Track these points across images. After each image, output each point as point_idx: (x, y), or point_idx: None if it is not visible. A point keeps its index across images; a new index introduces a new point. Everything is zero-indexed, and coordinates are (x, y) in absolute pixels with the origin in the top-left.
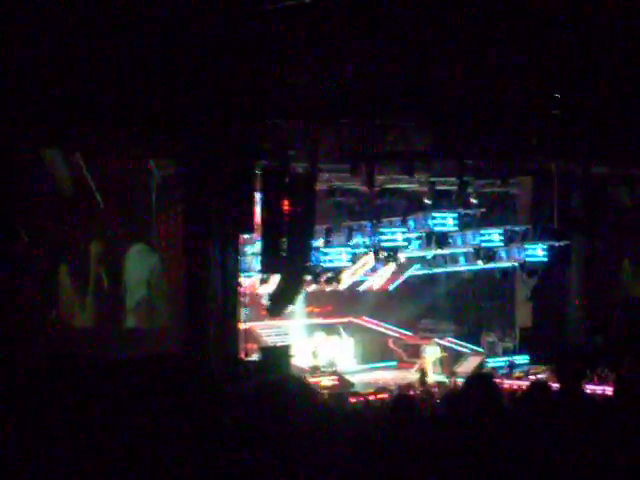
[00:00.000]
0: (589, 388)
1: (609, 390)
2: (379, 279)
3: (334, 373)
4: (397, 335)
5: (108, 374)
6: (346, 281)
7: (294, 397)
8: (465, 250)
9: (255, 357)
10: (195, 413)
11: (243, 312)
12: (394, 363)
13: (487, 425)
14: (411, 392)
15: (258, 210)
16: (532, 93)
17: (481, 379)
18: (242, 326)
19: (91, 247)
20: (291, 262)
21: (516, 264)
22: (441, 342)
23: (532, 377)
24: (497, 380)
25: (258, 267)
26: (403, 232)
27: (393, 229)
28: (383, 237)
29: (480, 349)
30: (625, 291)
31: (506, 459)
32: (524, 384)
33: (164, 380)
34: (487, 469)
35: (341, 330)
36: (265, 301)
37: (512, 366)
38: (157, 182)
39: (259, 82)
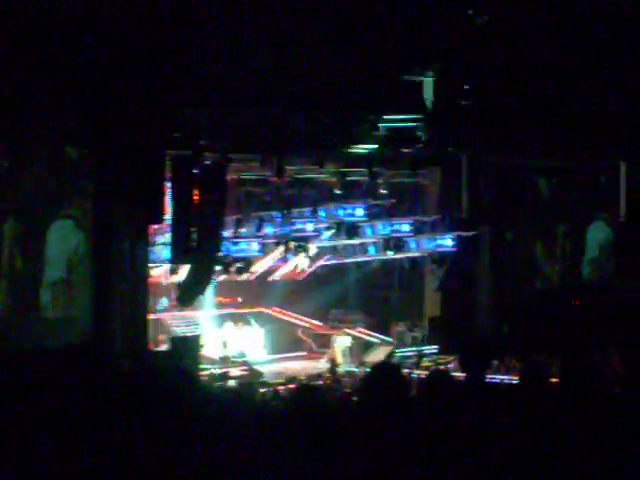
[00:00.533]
0: (496, 378)
1: (515, 380)
2: (289, 269)
3: (244, 363)
4: (307, 325)
5: (15, 364)
6: (256, 271)
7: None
8: (375, 240)
9: (165, 347)
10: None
11: (163, 302)
12: (303, 353)
13: (391, 413)
14: (320, 382)
15: (168, 200)
16: (439, 81)
17: (385, 368)
18: (152, 316)
19: (5, 227)
20: (201, 252)
21: (425, 254)
22: (351, 332)
23: (442, 367)
24: (406, 370)
25: (168, 257)
26: (313, 222)
27: (303, 219)
28: (293, 227)
29: (389, 339)
30: (539, 274)
31: (410, 447)
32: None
33: (71, 371)
34: (390, 456)
35: (251, 320)
36: (175, 291)
37: (421, 356)
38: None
39: (169, 70)
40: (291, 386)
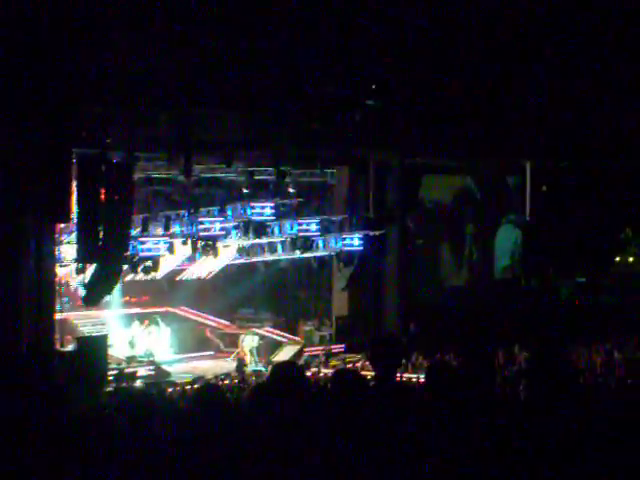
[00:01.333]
0: (404, 376)
1: (422, 378)
2: (197, 268)
3: (151, 363)
4: (214, 324)
5: None
6: (163, 270)
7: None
8: (283, 239)
9: (71, 347)
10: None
11: (64, 301)
12: (211, 352)
13: (293, 411)
14: (227, 381)
15: (75, 198)
16: (347, 81)
17: (286, 367)
18: (58, 316)
19: None
20: (108, 251)
21: (333, 253)
22: (259, 331)
23: (349, 365)
24: (314, 369)
25: (74, 256)
26: (221, 221)
27: (211, 218)
28: (201, 226)
29: (297, 338)
30: (439, 280)
31: (311, 445)
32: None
33: None
34: (294, 455)
35: (158, 320)
36: (81, 291)
37: (328, 355)
38: None
39: (76, 67)
40: (198, 386)
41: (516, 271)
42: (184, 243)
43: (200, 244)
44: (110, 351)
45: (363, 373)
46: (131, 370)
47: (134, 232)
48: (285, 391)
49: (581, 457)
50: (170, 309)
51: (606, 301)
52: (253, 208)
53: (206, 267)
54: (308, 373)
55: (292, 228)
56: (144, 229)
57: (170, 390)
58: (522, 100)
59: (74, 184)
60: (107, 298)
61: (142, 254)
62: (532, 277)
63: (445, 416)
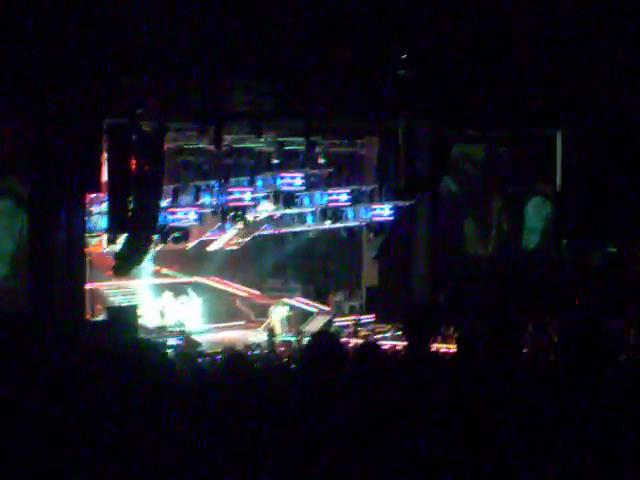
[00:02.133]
0: (434, 346)
1: (453, 348)
2: (227, 238)
3: (181, 333)
4: (245, 294)
5: None
6: (193, 240)
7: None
8: (313, 210)
9: (101, 317)
10: (42, 373)
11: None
12: (241, 322)
13: (332, 381)
14: (257, 351)
15: (105, 169)
16: (376, 52)
17: (324, 336)
18: (88, 286)
19: None
20: (138, 222)
21: (363, 224)
22: (289, 301)
23: (378, 336)
24: (344, 339)
25: (105, 226)
26: (251, 192)
27: (241, 189)
28: (231, 197)
29: (327, 308)
30: (466, 251)
31: (350, 414)
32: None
33: (10, 340)
34: (330, 424)
35: (189, 290)
36: (112, 260)
37: (358, 325)
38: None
39: (105, 39)
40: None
41: (547, 245)
42: (214, 213)
43: (230, 214)
44: (140, 321)
45: (393, 343)
46: (161, 340)
47: (164, 203)
48: (323, 360)
49: (612, 430)
50: (200, 279)
51: (638, 271)
52: (283, 178)
53: (236, 237)
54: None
55: (322, 198)
56: (174, 199)
57: (200, 360)
58: (555, 73)
59: (105, 154)
60: (138, 268)
61: (172, 224)
62: (563, 247)
63: (476, 386)
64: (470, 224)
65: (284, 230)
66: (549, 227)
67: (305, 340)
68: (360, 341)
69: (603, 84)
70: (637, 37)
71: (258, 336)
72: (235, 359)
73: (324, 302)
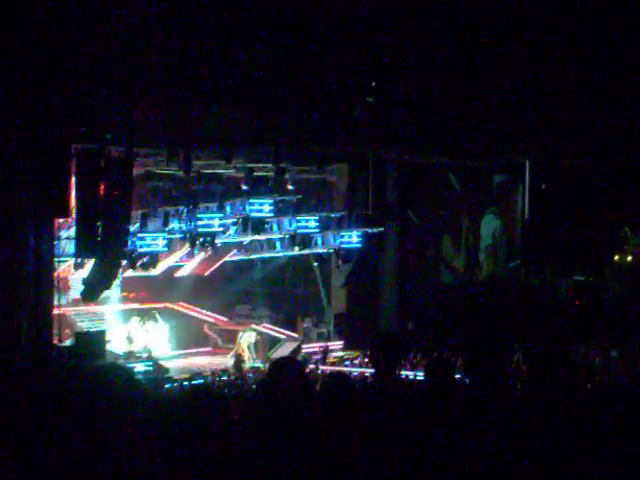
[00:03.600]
0: (402, 374)
1: (421, 375)
2: (195, 264)
3: (149, 358)
4: (213, 320)
5: None
6: (162, 266)
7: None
8: (281, 236)
9: (69, 343)
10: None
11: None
12: (209, 348)
13: (293, 407)
14: (223, 377)
15: (74, 194)
16: (346, 79)
17: (285, 362)
18: (56, 311)
19: None
20: (106, 247)
21: (331, 250)
22: (257, 328)
23: (347, 363)
24: (312, 366)
25: (73, 251)
26: (220, 218)
27: (210, 214)
28: (200, 222)
29: (295, 335)
30: (447, 266)
31: (312, 440)
32: (337, 370)
33: None
34: (294, 451)
35: (157, 315)
36: (80, 286)
37: (326, 351)
38: None
39: (76, 62)
40: (196, 382)
41: (501, 256)
42: (182, 239)
43: (199, 240)
44: (108, 346)
45: (361, 371)
46: (129, 366)
47: (133, 228)
48: (284, 386)
49: (579, 454)
50: (168, 305)
51: (605, 300)
52: (252, 204)
53: (204, 263)
54: (306, 370)
55: (291, 225)
56: (143, 225)
57: (168, 386)
58: (521, 99)
59: (73, 179)
60: (105, 293)
61: (141, 250)
62: (531, 276)
63: (444, 413)
64: (447, 238)
65: (253, 256)
66: (497, 237)
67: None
68: (329, 368)
69: (572, 115)
70: (603, 64)
71: (225, 362)
72: (200, 390)
73: (292, 329)
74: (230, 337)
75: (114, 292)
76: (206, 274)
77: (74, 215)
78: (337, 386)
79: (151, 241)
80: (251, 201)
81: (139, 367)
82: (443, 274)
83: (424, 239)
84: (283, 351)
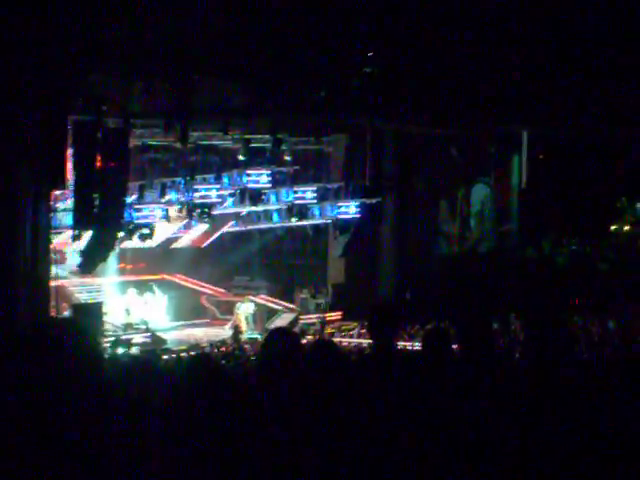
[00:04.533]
0: (399, 344)
1: (418, 346)
2: (193, 236)
3: (147, 330)
4: (210, 292)
5: None
6: (159, 238)
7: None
8: (279, 207)
9: (66, 315)
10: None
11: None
12: (207, 320)
13: (288, 377)
14: (221, 349)
15: (70, 165)
16: (344, 50)
17: (280, 333)
18: (53, 283)
19: None
20: (104, 218)
21: (329, 221)
22: (255, 299)
23: (344, 333)
24: (309, 337)
25: (70, 223)
26: (217, 189)
27: (207, 186)
28: (197, 194)
29: (293, 306)
30: (441, 233)
31: (309, 412)
32: (336, 340)
33: None
34: (292, 420)
35: (154, 287)
36: (77, 258)
37: (324, 322)
38: None
39: (71, 34)
40: (193, 353)
41: (489, 222)
42: (180, 210)
43: (196, 212)
44: (106, 318)
45: (359, 341)
46: (127, 337)
47: (130, 199)
48: (279, 358)
49: (577, 427)
50: (166, 276)
51: (602, 269)
52: (249, 176)
53: (202, 234)
54: (304, 341)
55: (288, 196)
56: (140, 196)
57: (165, 357)
58: (517, 68)
59: (70, 151)
60: (102, 265)
61: (138, 221)
62: (528, 246)
63: (443, 383)
64: (443, 205)
65: (250, 227)
66: (485, 209)
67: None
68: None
69: (570, 84)
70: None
71: (223, 333)
72: (201, 360)
73: (290, 300)
74: (228, 309)
75: (111, 264)
76: (203, 245)
77: (71, 187)
78: (322, 353)
79: (148, 212)
80: (248, 172)
81: (137, 338)
82: (440, 241)
83: (422, 207)
84: (281, 322)
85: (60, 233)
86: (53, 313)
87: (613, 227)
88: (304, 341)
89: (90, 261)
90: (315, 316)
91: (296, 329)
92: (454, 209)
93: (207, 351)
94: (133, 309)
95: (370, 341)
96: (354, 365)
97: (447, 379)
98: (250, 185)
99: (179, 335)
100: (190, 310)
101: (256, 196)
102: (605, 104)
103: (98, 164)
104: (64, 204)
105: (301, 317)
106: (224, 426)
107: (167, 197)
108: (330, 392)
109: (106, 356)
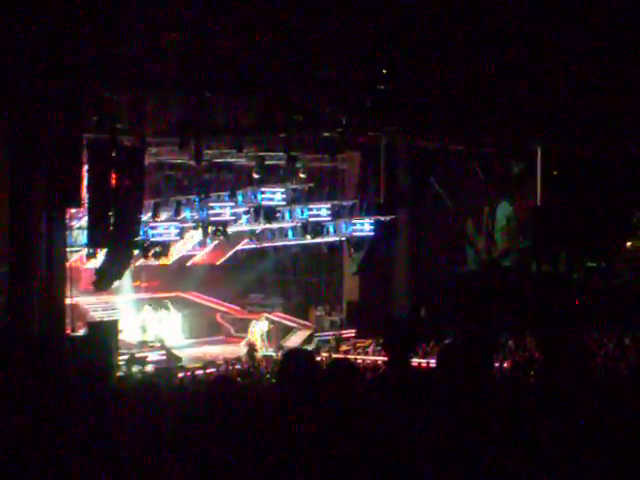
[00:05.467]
0: (414, 361)
1: (434, 363)
2: (207, 254)
3: (162, 347)
4: (225, 309)
5: None
6: (174, 255)
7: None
8: (293, 225)
9: (82, 332)
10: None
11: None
12: (222, 337)
13: (306, 398)
14: (238, 366)
15: (85, 183)
16: (357, 67)
17: (297, 353)
18: (68, 301)
19: None
20: (119, 236)
21: (343, 238)
22: (270, 316)
23: (359, 350)
24: (325, 354)
25: (85, 241)
26: (231, 207)
27: (221, 203)
28: (211, 212)
29: (308, 323)
30: (471, 246)
31: (327, 431)
32: (351, 357)
33: None
34: (308, 441)
35: (169, 305)
36: (92, 275)
37: (339, 340)
38: None
39: (86, 52)
40: (209, 371)
41: (515, 239)
42: (195, 228)
43: (210, 229)
44: (121, 336)
45: (374, 358)
46: (142, 355)
47: (145, 217)
48: (296, 378)
49: (592, 443)
50: (181, 294)
51: (617, 286)
52: (263, 193)
53: (217, 252)
54: (318, 358)
55: (303, 213)
56: (155, 214)
57: (181, 375)
58: (534, 84)
59: (85, 169)
60: (118, 283)
61: (153, 239)
62: (543, 262)
63: (458, 400)
64: (470, 228)
65: (265, 245)
66: (510, 225)
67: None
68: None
69: (585, 101)
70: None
71: (238, 351)
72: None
73: (305, 317)
74: (242, 326)
75: (126, 282)
76: (218, 263)
77: (86, 205)
78: (340, 370)
79: (163, 230)
80: (262, 190)
81: (152, 356)
82: (467, 252)
83: (449, 225)
84: (296, 339)
85: (75, 251)
86: (68, 331)
87: (629, 243)
88: (319, 358)
89: (105, 279)
90: (330, 333)
91: (311, 346)
92: (480, 226)
93: (222, 369)
94: (148, 327)
95: (385, 358)
96: (369, 383)
97: (462, 396)
98: (264, 203)
99: (194, 352)
100: (205, 327)
101: (270, 214)
102: (618, 120)
103: (113, 182)
104: (79, 222)
105: (316, 334)
106: (241, 446)
107: (182, 215)
108: (348, 411)
109: (120, 374)
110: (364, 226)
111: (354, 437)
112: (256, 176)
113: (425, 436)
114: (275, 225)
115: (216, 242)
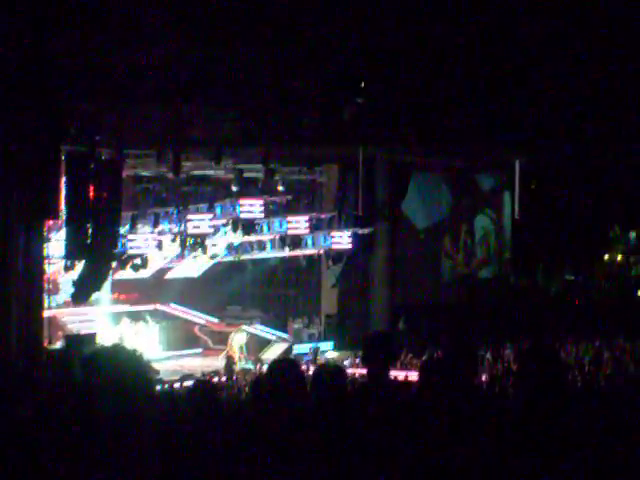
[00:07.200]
0: (392, 374)
1: (412, 376)
2: (185, 266)
3: None
4: (203, 322)
5: None
6: (152, 268)
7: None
8: (271, 237)
9: (59, 345)
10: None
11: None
12: (200, 350)
13: (291, 408)
14: (214, 379)
15: (63, 196)
16: (335, 80)
17: (284, 363)
18: (46, 314)
19: None
20: (96, 248)
21: (322, 251)
22: (248, 329)
23: (338, 363)
24: (303, 367)
25: (63, 253)
26: (210, 219)
27: (200, 216)
28: (190, 224)
29: (286, 336)
30: (448, 259)
31: (311, 442)
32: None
33: None
34: (288, 453)
35: (147, 317)
36: (70, 288)
37: (317, 352)
38: None
39: (64, 65)
40: (186, 383)
41: (493, 249)
42: (173, 240)
43: (189, 241)
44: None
45: (353, 371)
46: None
47: (123, 229)
48: (283, 388)
49: (569, 454)
50: (159, 306)
51: (595, 299)
52: (242, 206)
53: (195, 265)
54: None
55: (281, 226)
56: (133, 226)
57: (158, 388)
58: (511, 97)
59: (63, 181)
60: (96, 295)
61: (131, 251)
62: (521, 275)
63: (440, 414)
64: (447, 244)
65: (243, 257)
66: (488, 234)
67: (264, 368)
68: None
69: (562, 115)
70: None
71: (216, 363)
72: (201, 387)
73: (283, 329)
74: (221, 339)
75: (105, 294)
76: (196, 275)
77: (64, 217)
78: (328, 374)
79: (141, 242)
80: (241, 202)
81: None
82: (444, 265)
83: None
84: (274, 352)
85: (53, 263)
86: (46, 343)
87: (606, 256)
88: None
89: (83, 291)
90: (308, 346)
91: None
92: (457, 242)
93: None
94: (126, 339)
95: (363, 371)
96: (349, 395)
97: (444, 411)
98: (243, 215)
99: (172, 365)
100: (183, 340)
101: (249, 226)
102: (597, 135)
103: (91, 194)
104: (57, 234)
105: (294, 347)
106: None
107: (160, 227)
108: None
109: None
110: (342, 239)
111: (336, 448)
112: (234, 189)
113: (407, 449)
114: (253, 237)
115: (195, 254)
